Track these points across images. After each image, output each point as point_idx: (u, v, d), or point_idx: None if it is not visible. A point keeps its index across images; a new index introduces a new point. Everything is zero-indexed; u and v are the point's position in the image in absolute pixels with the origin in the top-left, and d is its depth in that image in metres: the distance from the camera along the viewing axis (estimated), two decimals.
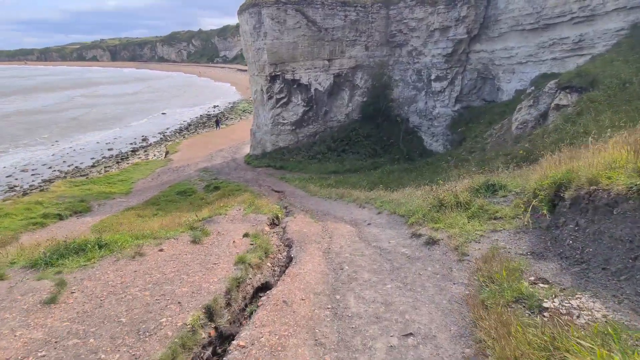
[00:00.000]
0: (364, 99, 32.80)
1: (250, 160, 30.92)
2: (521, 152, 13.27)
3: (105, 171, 33.11)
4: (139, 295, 5.06)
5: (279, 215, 10.83)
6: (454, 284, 4.99)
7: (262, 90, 29.83)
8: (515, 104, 24.84)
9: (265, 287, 5.83)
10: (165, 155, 34.87)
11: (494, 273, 4.55)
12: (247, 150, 33.72)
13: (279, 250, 7.30)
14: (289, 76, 29.00)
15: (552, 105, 19.06)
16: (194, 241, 7.00)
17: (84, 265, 5.94)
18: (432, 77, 30.34)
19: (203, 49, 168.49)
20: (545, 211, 5.39)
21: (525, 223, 5.68)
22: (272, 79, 28.95)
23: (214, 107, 75.83)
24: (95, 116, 67.24)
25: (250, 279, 5.79)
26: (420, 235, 6.87)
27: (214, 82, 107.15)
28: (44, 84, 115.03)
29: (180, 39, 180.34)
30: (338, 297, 5.03)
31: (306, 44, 28.21)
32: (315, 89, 30.27)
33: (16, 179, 35.54)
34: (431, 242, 6.43)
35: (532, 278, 4.40)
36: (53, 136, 53.38)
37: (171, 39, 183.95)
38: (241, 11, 29.05)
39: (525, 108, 21.50)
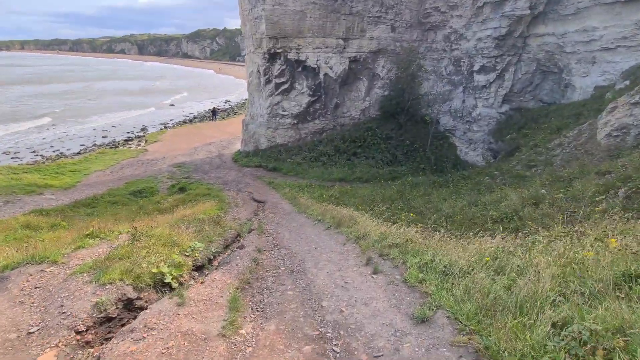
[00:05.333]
0: (385, 93, 26.45)
1: (239, 157, 25.08)
2: None
3: None
4: None
5: (179, 275, 4.60)
6: None
7: (258, 71, 24.02)
8: (597, 105, 18.06)
9: None
10: (144, 144, 29.63)
11: None
12: (239, 145, 27.97)
13: None
14: (292, 55, 23.06)
15: None
16: None
17: None
18: (475, 67, 23.69)
19: (226, 47, 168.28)
20: None
21: None
22: (272, 57, 23.09)
23: (226, 101, 72.76)
24: (101, 104, 64.20)
25: None
26: None
27: (232, 79, 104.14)
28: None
29: (205, 36, 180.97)
30: None
31: (317, 16, 22.23)
32: (325, 75, 24.18)
33: None
34: None
35: None
36: (52, 120, 50.51)
37: (196, 36, 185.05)
38: None
39: (624, 108, 14.66)
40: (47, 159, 32.80)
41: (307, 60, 23.45)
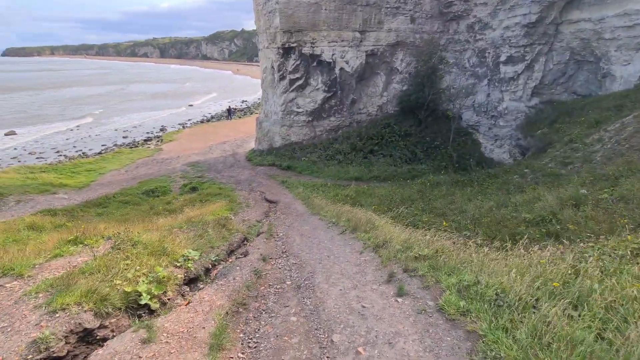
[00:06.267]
0: (404, 87, 25.24)
1: (253, 156, 24.54)
2: None
3: None
4: None
5: (162, 293, 3.83)
6: None
7: (272, 67, 23.36)
8: None
9: None
10: (161, 143, 29.68)
11: None
12: (253, 144, 27.48)
13: None
14: (307, 50, 22.25)
15: None
16: None
17: None
18: (502, 58, 22.14)
19: (244, 48, 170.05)
20: None
21: None
22: (286, 52, 22.35)
23: (243, 101, 73.45)
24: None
25: None
26: None
27: (250, 79, 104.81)
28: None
29: (224, 38, 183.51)
30: None
31: (332, 8, 21.32)
32: (341, 69, 23.24)
33: (19, 162, 32.41)
34: None
35: None
36: (78, 120, 52.11)
37: (215, 37, 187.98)
38: None
39: None
40: (69, 158, 33.45)
41: (322, 55, 22.58)
